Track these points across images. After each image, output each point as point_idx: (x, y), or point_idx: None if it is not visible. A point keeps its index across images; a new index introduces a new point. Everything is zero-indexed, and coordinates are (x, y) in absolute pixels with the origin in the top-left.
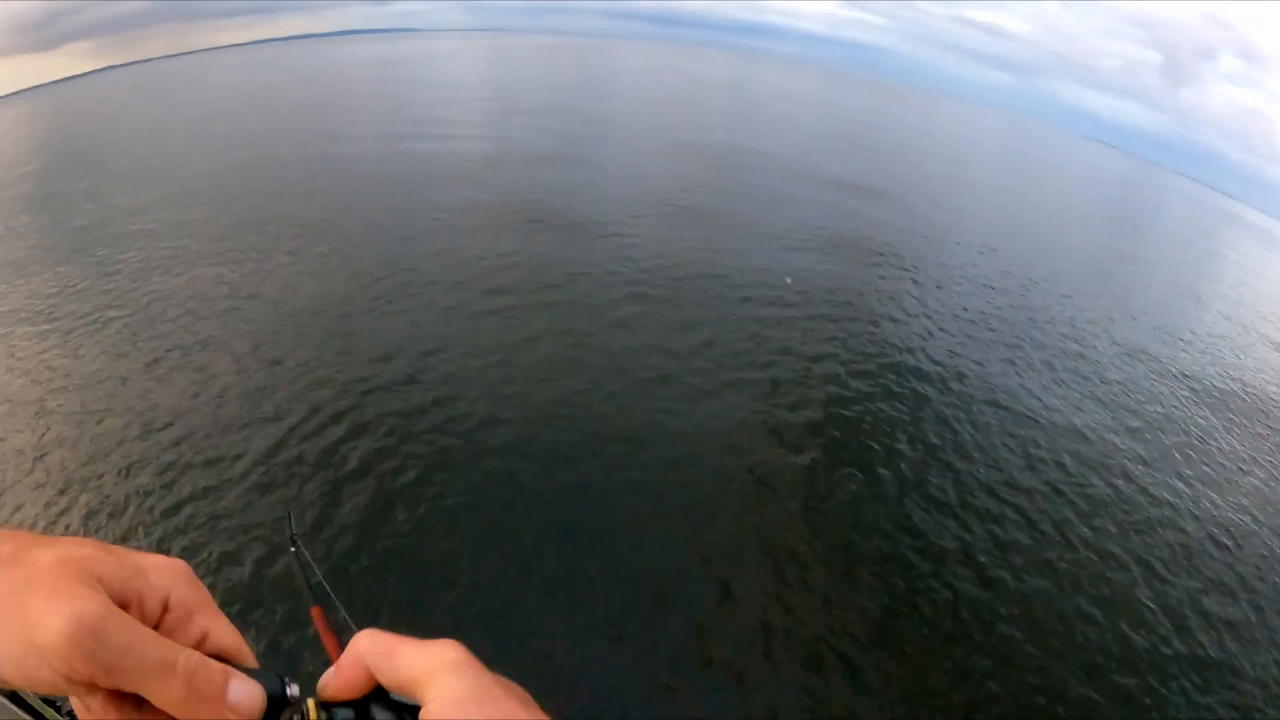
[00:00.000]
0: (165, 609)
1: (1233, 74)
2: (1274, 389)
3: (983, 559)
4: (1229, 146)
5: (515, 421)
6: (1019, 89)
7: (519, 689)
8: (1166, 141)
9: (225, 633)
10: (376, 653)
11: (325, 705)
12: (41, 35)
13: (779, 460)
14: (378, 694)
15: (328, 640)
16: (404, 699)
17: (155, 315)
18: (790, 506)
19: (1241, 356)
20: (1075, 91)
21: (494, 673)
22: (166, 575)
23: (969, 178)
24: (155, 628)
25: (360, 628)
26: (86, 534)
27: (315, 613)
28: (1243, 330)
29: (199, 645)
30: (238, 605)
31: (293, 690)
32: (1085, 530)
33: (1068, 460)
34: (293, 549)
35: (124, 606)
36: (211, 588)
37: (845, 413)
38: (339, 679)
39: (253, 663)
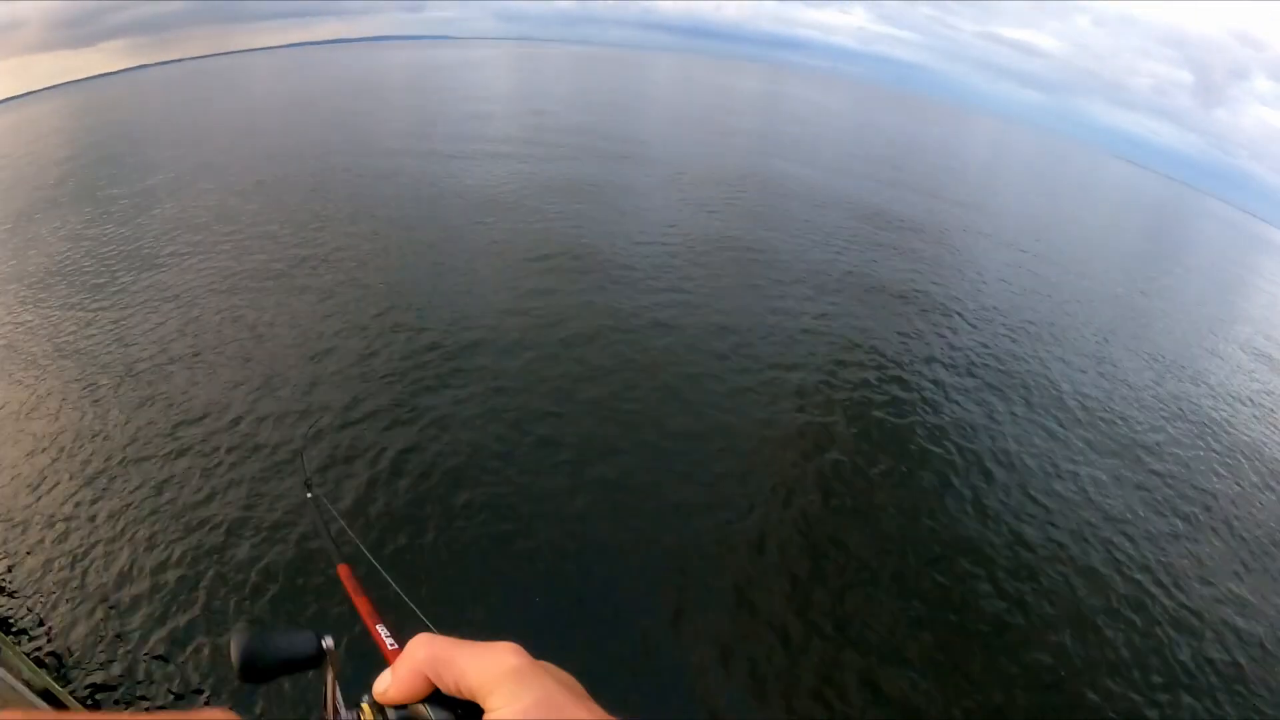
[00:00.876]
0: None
1: (1266, 95)
2: None
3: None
4: (1262, 169)
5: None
6: (1050, 106)
7: (574, 683)
8: (1198, 162)
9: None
10: (436, 660)
11: (380, 707)
12: (79, 33)
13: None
14: (434, 694)
15: (359, 602)
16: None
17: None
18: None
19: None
20: (1106, 110)
21: (549, 665)
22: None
23: (1000, 201)
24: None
25: (393, 583)
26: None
27: (342, 571)
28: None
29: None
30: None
31: (327, 642)
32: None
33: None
34: (309, 495)
35: None
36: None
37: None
38: (397, 687)
39: None
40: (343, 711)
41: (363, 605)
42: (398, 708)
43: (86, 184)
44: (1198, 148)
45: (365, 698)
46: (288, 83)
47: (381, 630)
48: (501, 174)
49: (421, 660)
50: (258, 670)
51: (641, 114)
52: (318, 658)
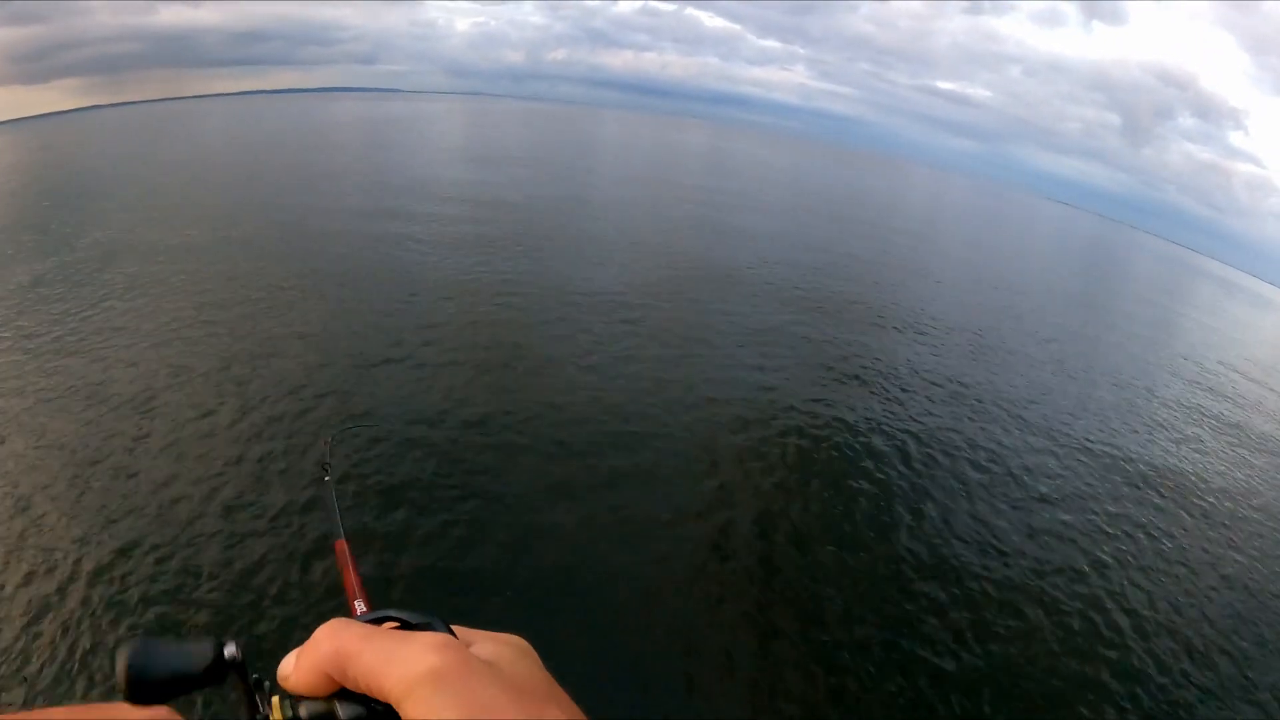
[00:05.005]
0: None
1: (1190, 131)
2: None
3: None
4: (1190, 201)
5: None
6: (985, 154)
7: (529, 676)
8: (1129, 199)
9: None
10: (340, 656)
11: (292, 699)
12: (33, 68)
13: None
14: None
15: (347, 576)
16: None
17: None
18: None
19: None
20: (1039, 155)
21: (500, 648)
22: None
23: (937, 247)
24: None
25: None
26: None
27: (339, 546)
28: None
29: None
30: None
31: (230, 650)
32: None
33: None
34: (326, 477)
35: None
36: None
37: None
38: (297, 677)
39: None
40: (260, 705)
41: (349, 580)
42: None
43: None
44: (1128, 185)
45: (276, 689)
46: (240, 131)
47: (359, 605)
48: (456, 236)
49: (323, 657)
50: (146, 688)
51: (591, 167)
52: (218, 671)
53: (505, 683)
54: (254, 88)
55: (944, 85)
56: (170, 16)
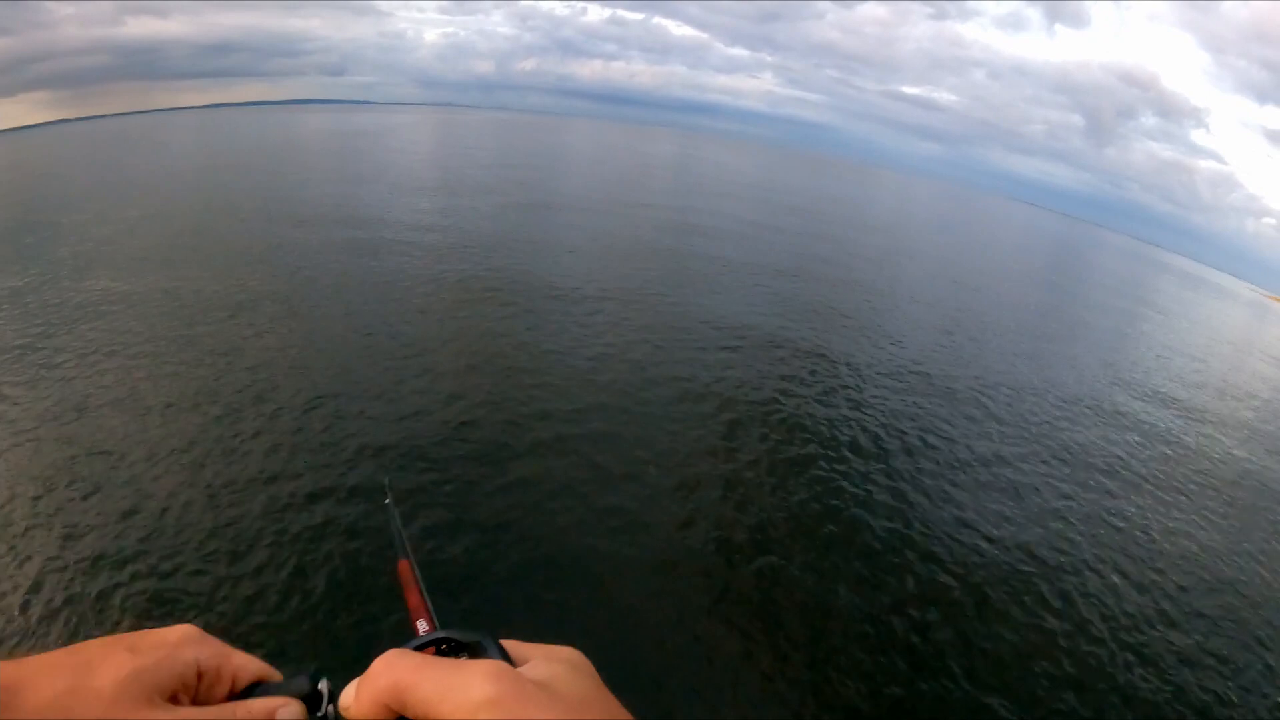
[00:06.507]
0: (200, 674)
1: (1152, 130)
2: None
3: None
4: (1153, 199)
5: None
6: (951, 157)
7: (585, 696)
8: (1094, 198)
9: (248, 664)
10: (398, 689)
11: None
12: (1, 81)
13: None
14: None
15: (410, 596)
16: None
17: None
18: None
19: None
20: (1005, 157)
21: (558, 668)
22: (190, 647)
23: (905, 248)
24: (196, 692)
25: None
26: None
27: (403, 566)
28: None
29: (234, 685)
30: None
31: (321, 685)
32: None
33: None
34: (387, 500)
35: (175, 695)
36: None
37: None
38: (356, 709)
39: (277, 675)
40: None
41: (413, 600)
42: None
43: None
44: (1092, 185)
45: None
46: (209, 144)
47: (421, 625)
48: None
49: (382, 690)
50: None
51: (564, 175)
52: (315, 697)
53: (561, 707)
54: (222, 100)
55: (910, 90)
56: (138, 28)
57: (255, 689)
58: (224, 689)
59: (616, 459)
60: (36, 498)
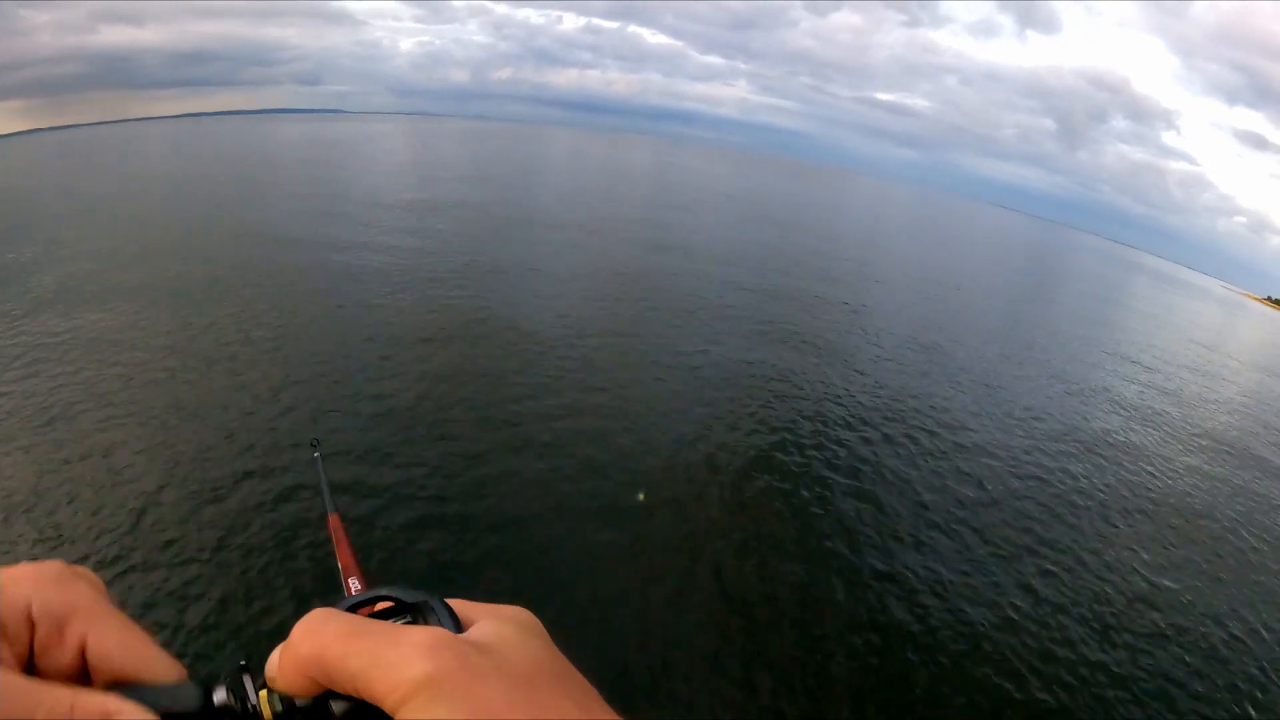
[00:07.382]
0: (32, 626)
1: (1123, 132)
2: None
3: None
4: (1126, 200)
5: None
6: (925, 163)
7: (540, 668)
8: (1067, 201)
9: (108, 638)
10: (324, 660)
11: (283, 696)
12: None
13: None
14: None
15: (341, 552)
16: None
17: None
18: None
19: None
20: (978, 162)
21: (508, 638)
22: (26, 586)
23: (883, 254)
24: (29, 651)
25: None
26: None
27: (333, 520)
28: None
29: (77, 658)
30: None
31: (219, 696)
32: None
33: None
34: (315, 454)
35: None
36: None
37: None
38: (280, 681)
39: (159, 665)
40: (250, 695)
41: (343, 555)
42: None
43: None
44: (1065, 188)
45: (262, 688)
46: (185, 154)
47: (353, 584)
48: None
49: (303, 660)
50: None
51: (543, 186)
52: (208, 713)
53: (510, 676)
54: (197, 109)
55: (884, 97)
56: (112, 37)
57: (127, 688)
58: (67, 657)
59: (600, 452)
60: None
